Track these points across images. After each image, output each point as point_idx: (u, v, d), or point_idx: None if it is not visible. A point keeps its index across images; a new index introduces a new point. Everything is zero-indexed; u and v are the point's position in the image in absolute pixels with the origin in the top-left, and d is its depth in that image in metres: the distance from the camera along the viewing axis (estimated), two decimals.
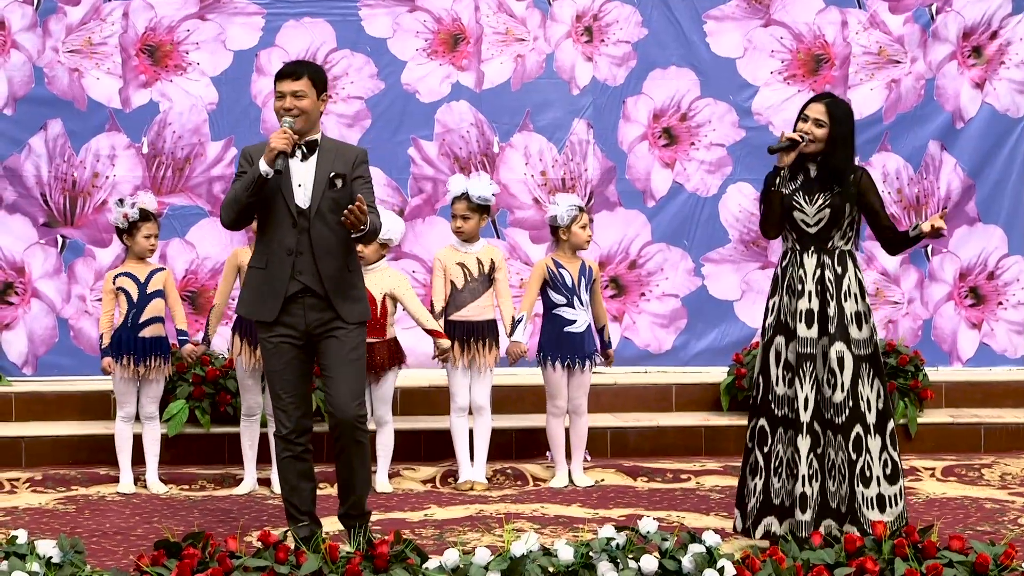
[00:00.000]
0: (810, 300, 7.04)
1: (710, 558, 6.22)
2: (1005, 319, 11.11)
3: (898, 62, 10.98)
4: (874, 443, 7.04)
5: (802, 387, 7.00)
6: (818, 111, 7.07)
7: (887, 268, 10.97)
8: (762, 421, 7.14)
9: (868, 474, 7.02)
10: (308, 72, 6.90)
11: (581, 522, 7.96)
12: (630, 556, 6.21)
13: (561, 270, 8.92)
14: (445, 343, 8.74)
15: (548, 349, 8.94)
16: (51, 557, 6.16)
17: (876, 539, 6.30)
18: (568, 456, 9.08)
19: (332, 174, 6.89)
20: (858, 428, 7.02)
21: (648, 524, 6.40)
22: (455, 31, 10.72)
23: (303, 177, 6.88)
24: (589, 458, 9.29)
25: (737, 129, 10.87)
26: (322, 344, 6.92)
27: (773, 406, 7.08)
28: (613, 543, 6.26)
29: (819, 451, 7.02)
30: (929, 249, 11.02)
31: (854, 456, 7.01)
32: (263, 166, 6.70)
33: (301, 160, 6.89)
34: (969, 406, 10.45)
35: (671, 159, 10.88)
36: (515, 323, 8.90)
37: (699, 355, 10.86)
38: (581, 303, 8.91)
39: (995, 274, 11.09)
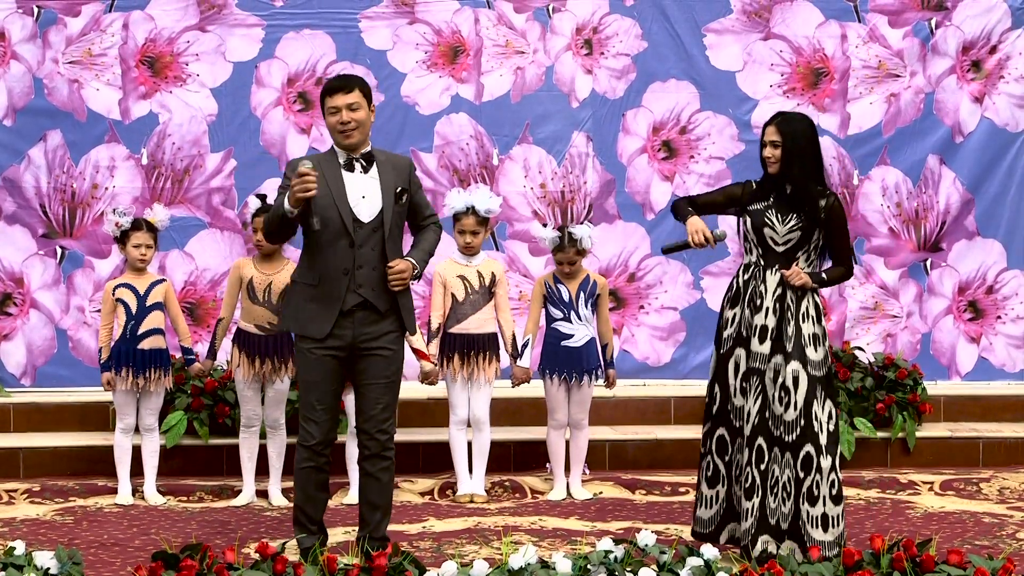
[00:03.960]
0: (766, 316, 7.09)
1: (708, 571, 6.23)
2: (1004, 333, 11.11)
3: (897, 76, 10.99)
4: (825, 463, 7.03)
5: (746, 400, 7.06)
6: (771, 133, 7.19)
7: (886, 282, 10.97)
8: (721, 430, 7.23)
9: (816, 493, 7.02)
10: (359, 84, 6.91)
11: (579, 535, 7.95)
12: (628, 569, 6.22)
13: (559, 285, 8.92)
14: (429, 366, 8.74)
15: (546, 363, 8.95)
16: (49, 568, 6.17)
17: (874, 553, 6.31)
18: (567, 469, 9.08)
19: (399, 188, 6.94)
20: (809, 447, 7.01)
21: (646, 537, 6.41)
22: (455, 43, 10.73)
23: (367, 190, 6.89)
24: (588, 471, 9.29)
25: (736, 142, 10.87)
26: (367, 361, 6.95)
27: (732, 416, 7.17)
28: (611, 556, 6.27)
29: (762, 467, 7.02)
30: (928, 263, 11.02)
31: (802, 475, 7.01)
32: (287, 205, 6.72)
33: (362, 172, 6.92)
34: (968, 420, 10.45)
35: (670, 172, 10.88)
36: (522, 347, 8.92)
37: (698, 368, 10.84)
38: (579, 317, 8.90)
39: (994, 288, 11.09)
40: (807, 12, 10.93)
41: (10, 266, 10.36)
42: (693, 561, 6.30)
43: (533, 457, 9.50)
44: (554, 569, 6.17)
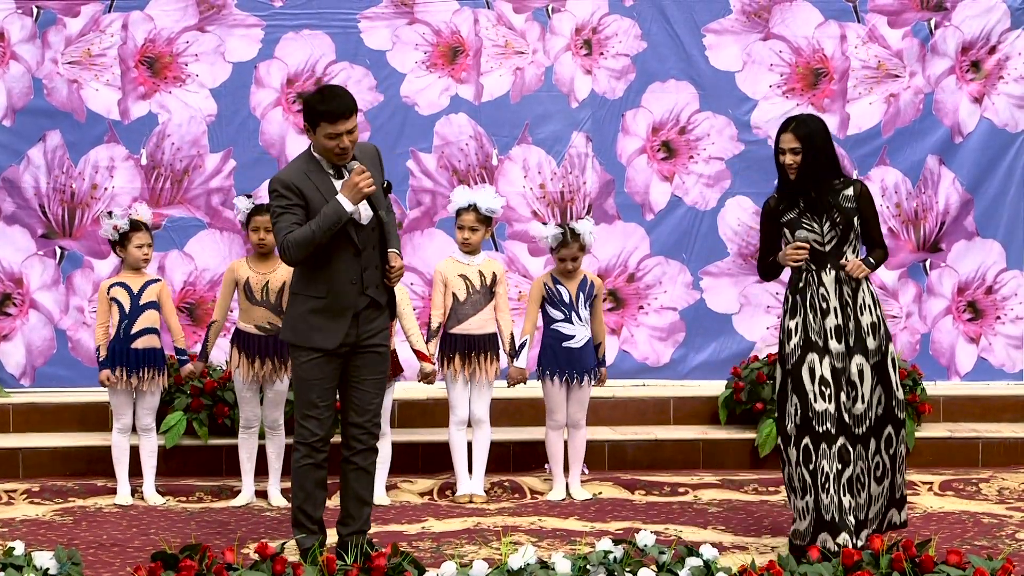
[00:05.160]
0: (836, 316, 7.18)
1: (707, 571, 6.23)
2: (1003, 333, 11.10)
3: (897, 76, 10.98)
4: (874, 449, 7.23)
5: (844, 400, 7.12)
6: (788, 140, 7.26)
7: (885, 282, 10.96)
8: (806, 440, 7.19)
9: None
10: (355, 105, 6.79)
11: (579, 535, 7.95)
12: (627, 569, 6.22)
13: (558, 286, 8.93)
14: (429, 367, 8.77)
15: (547, 364, 8.95)
16: (48, 569, 6.17)
17: (874, 553, 6.30)
18: (566, 469, 9.08)
19: (384, 184, 6.96)
20: (873, 436, 7.23)
21: (645, 537, 6.41)
22: (454, 44, 10.73)
23: None
24: (587, 471, 9.29)
25: (736, 143, 10.87)
26: (363, 358, 6.99)
27: (814, 423, 7.15)
28: (611, 556, 6.27)
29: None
30: (927, 263, 11.02)
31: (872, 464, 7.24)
32: (349, 206, 6.67)
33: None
34: (967, 420, 10.44)
35: (670, 172, 10.88)
36: (519, 347, 8.93)
37: (697, 368, 10.85)
38: (580, 318, 8.91)
39: (993, 288, 11.08)
40: (806, 12, 10.93)
41: (9, 266, 10.36)
42: (692, 561, 6.30)
43: (532, 457, 9.50)
44: (553, 569, 6.17)
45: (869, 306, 7.24)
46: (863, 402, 7.16)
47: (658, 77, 10.85)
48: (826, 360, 7.16)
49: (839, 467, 7.13)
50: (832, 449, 7.12)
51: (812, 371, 7.17)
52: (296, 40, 10.61)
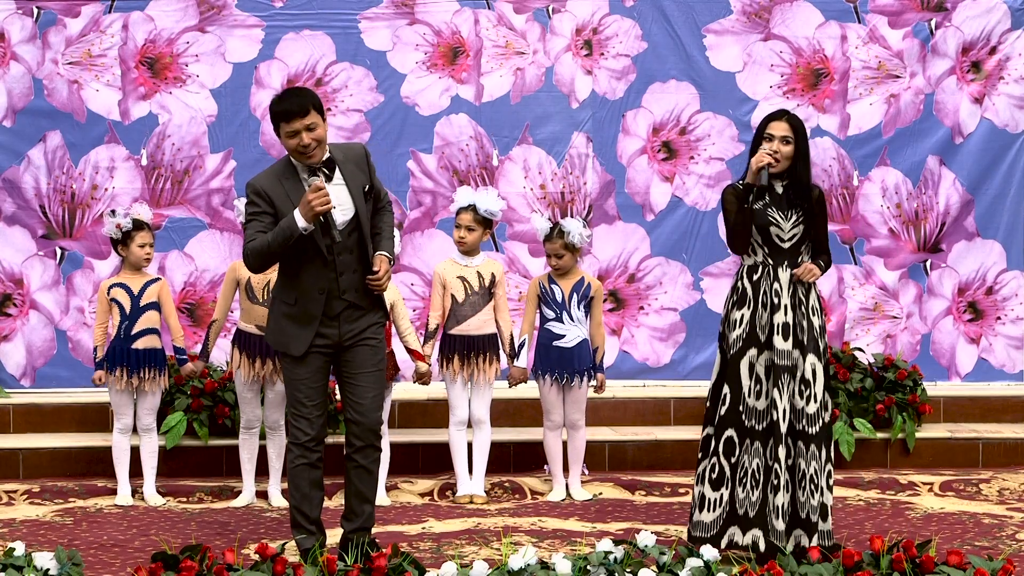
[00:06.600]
0: (786, 313, 7.14)
1: (708, 572, 6.23)
2: (1003, 334, 11.10)
3: (897, 77, 10.99)
4: (824, 453, 7.14)
5: (781, 398, 7.08)
6: (783, 128, 7.20)
7: (886, 283, 10.97)
8: (730, 432, 7.19)
9: (820, 483, 7.13)
10: (311, 101, 6.79)
11: (579, 536, 7.95)
12: (628, 570, 6.22)
13: (553, 285, 8.93)
14: (424, 367, 8.77)
15: (539, 364, 8.96)
16: (48, 569, 6.18)
17: (874, 554, 6.31)
18: (566, 470, 9.08)
19: (365, 187, 6.93)
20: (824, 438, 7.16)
21: (646, 538, 6.42)
22: (455, 44, 10.73)
23: (337, 198, 6.81)
24: (587, 472, 9.29)
25: (736, 143, 10.87)
26: (352, 352, 6.97)
27: (744, 418, 7.14)
28: (611, 557, 6.28)
29: (789, 462, 7.08)
30: (928, 264, 11.02)
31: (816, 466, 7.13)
32: (302, 222, 6.66)
33: (326, 181, 6.81)
34: (967, 421, 10.45)
35: (670, 173, 10.88)
36: (519, 347, 8.93)
37: (697, 369, 10.85)
38: (571, 318, 8.91)
39: (993, 289, 11.08)
40: (807, 13, 10.93)
41: (10, 267, 10.36)
42: (693, 562, 6.30)
43: (532, 458, 9.50)
44: (554, 570, 6.18)
45: (818, 310, 7.24)
46: (815, 401, 7.11)
47: (658, 77, 10.86)
48: (764, 356, 7.14)
49: (760, 464, 7.09)
50: (754, 446, 7.11)
51: (751, 366, 7.16)
52: (296, 41, 10.61)
